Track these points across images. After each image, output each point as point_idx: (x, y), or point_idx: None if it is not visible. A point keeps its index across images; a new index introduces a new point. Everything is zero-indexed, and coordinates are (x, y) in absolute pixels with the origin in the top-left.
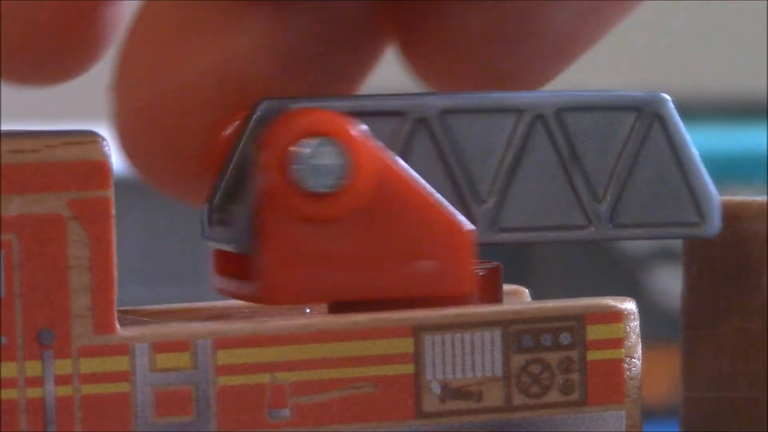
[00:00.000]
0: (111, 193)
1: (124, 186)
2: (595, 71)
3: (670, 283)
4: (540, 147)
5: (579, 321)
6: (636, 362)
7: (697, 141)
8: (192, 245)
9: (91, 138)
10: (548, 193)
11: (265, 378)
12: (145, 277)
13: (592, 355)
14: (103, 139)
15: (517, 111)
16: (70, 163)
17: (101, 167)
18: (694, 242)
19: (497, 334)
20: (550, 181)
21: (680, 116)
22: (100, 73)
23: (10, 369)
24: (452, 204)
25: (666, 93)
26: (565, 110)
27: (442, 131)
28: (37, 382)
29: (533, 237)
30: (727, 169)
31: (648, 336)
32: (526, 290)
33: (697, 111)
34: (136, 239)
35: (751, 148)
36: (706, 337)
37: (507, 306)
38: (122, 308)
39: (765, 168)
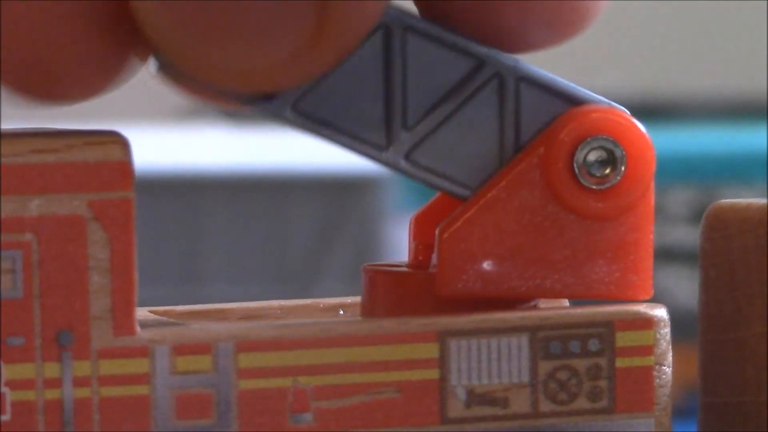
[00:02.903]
0: (132, 194)
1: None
2: (595, 71)
3: (670, 283)
4: (483, 104)
5: (608, 327)
6: (666, 370)
7: (697, 141)
8: (192, 245)
9: (112, 138)
10: (470, 148)
11: (287, 382)
12: (148, 277)
13: (621, 362)
14: (125, 139)
15: (481, 62)
16: (91, 164)
17: (122, 168)
18: (712, 246)
19: (524, 340)
20: (478, 137)
21: (680, 116)
22: None
23: (28, 370)
24: (376, 118)
25: (666, 93)
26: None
27: (400, 45)
28: (56, 383)
29: (429, 177)
30: (727, 169)
31: None
32: None
33: (697, 111)
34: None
35: (751, 148)
36: (727, 341)
37: (534, 312)
38: (152, 308)
39: (765, 168)
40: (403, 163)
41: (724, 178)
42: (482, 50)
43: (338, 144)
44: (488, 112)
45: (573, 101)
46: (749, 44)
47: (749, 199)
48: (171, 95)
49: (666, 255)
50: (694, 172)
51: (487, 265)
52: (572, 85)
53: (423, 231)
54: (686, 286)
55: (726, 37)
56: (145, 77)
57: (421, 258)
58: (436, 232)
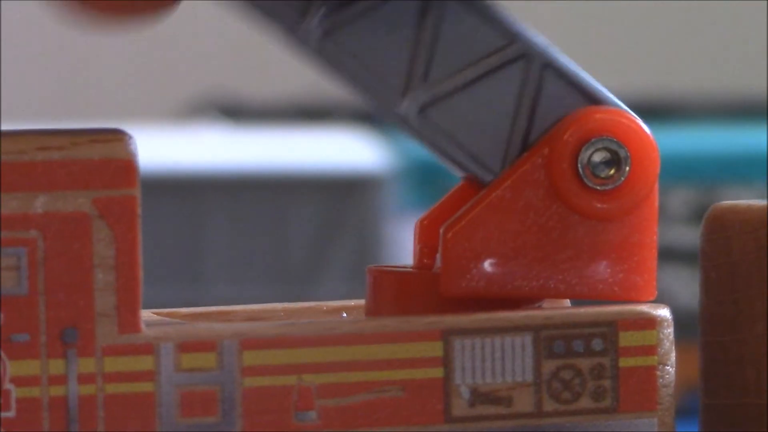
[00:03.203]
0: (137, 192)
1: None
2: (595, 71)
3: (670, 283)
4: (505, 81)
5: (611, 327)
6: (669, 369)
7: (697, 141)
8: (192, 245)
9: (117, 136)
10: (483, 121)
11: (291, 380)
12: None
13: (625, 362)
14: (130, 137)
15: (512, 41)
16: (96, 161)
17: (127, 166)
18: (712, 247)
19: (528, 339)
20: (493, 112)
21: (680, 116)
22: (100, 74)
23: (33, 367)
24: (400, 64)
25: (666, 93)
26: (549, 68)
27: (438, 8)
28: (61, 380)
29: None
30: (727, 169)
31: None
32: None
33: (697, 111)
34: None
35: (751, 148)
36: (727, 343)
37: (538, 311)
38: (156, 311)
39: (765, 168)
40: (414, 116)
41: (724, 178)
42: (517, 29)
43: (357, 84)
44: (508, 91)
45: (591, 99)
46: (749, 44)
47: (749, 201)
48: (171, 95)
49: (666, 255)
50: (694, 172)
51: (490, 265)
52: (595, 83)
53: (428, 234)
54: (686, 286)
55: (726, 37)
56: (145, 77)
57: (426, 261)
58: (441, 231)
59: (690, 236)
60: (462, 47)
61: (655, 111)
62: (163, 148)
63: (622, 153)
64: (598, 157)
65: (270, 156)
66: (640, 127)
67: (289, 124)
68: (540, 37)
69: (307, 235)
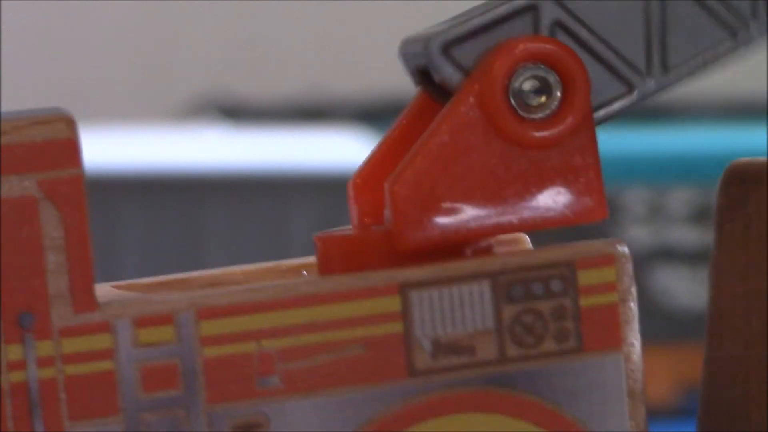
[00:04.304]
0: (81, 171)
1: (124, 186)
2: None
3: (670, 283)
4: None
5: (569, 267)
6: (631, 305)
7: (697, 141)
8: (192, 245)
9: (58, 117)
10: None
11: (251, 346)
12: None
13: (586, 301)
14: (70, 117)
15: None
16: (39, 143)
17: (69, 145)
18: (728, 200)
19: (486, 286)
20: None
21: (680, 116)
22: (100, 74)
23: None
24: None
25: (666, 93)
26: None
27: None
28: (20, 365)
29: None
30: None
31: (648, 337)
32: (526, 236)
33: (697, 111)
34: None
35: (751, 148)
36: (737, 295)
37: (494, 257)
38: (115, 283)
39: None
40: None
41: None
42: None
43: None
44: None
45: None
46: None
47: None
48: (171, 95)
49: (666, 255)
50: (694, 172)
51: (442, 212)
52: None
53: (363, 193)
54: (686, 286)
55: None
56: (145, 77)
57: (366, 220)
58: (386, 186)
59: (690, 236)
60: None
61: (655, 111)
62: (163, 148)
63: (551, 78)
64: (528, 86)
65: (270, 156)
66: (568, 51)
67: (289, 124)
68: None
69: (306, 235)
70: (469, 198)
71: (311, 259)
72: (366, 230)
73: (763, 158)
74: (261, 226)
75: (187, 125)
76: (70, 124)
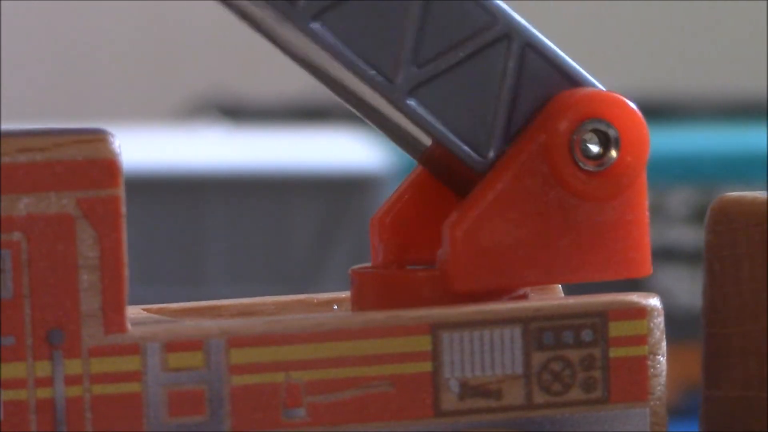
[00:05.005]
0: (121, 192)
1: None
2: (596, 71)
3: (670, 283)
4: (489, 61)
5: (601, 318)
6: (660, 359)
7: (697, 141)
8: (192, 245)
9: (100, 136)
10: (470, 102)
11: (279, 377)
12: (149, 277)
13: (615, 353)
14: (113, 137)
15: (494, 21)
16: (79, 162)
17: (110, 166)
18: (717, 239)
19: (517, 331)
20: (479, 92)
21: (680, 116)
22: (100, 74)
23: (19, 369)
24: (390, 48)
25: (666, 93)
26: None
27: None
28: (47, 382)
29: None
30: (727, 169)
31: None
32: (559, 285)
33: (697, 111)
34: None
35: (751, 148)
36: (732, 335)
37: (527, 303)
38: (146, 306)
39: (765, 168)
40: (405, 99)
41: (724, 178)
42: (499, 8)
43: (350, 67)
44: (491, 72)
45: (571, 80)
46: (749, 44)
47: (754, 192)
48: (171, 95)
49: (666, 255)
50: (694, 172)
51: (498, 257)
52: (574, 64)
53: (392, 232)
54: (686, 286)
55: (726, 37)
56: (145, 77)
57: (392, 258)
58: (445, 230)
59: (690, 236)
60: (449, 27)
61: (655, 111)
62: (163, 148)
63: (611, 133)
64: (587, 138)
65: (270, 156)
66: (629, 106)
67: (289, 124)
68: (521, 18)
69: (307, 235)
70: (524, 245)
71: (342, 294)
72: (405, 270)
73: (750, 193)
74: (261, 225)
75: (187, 125)
76: (112, 145)
